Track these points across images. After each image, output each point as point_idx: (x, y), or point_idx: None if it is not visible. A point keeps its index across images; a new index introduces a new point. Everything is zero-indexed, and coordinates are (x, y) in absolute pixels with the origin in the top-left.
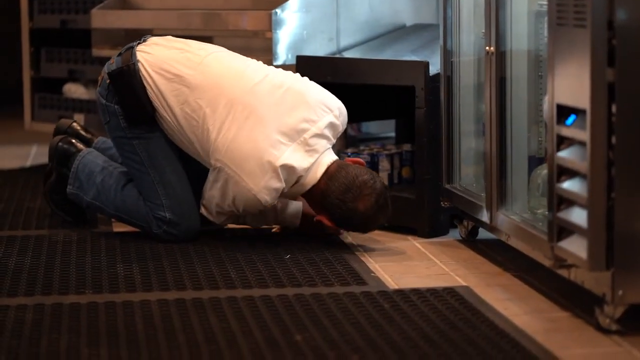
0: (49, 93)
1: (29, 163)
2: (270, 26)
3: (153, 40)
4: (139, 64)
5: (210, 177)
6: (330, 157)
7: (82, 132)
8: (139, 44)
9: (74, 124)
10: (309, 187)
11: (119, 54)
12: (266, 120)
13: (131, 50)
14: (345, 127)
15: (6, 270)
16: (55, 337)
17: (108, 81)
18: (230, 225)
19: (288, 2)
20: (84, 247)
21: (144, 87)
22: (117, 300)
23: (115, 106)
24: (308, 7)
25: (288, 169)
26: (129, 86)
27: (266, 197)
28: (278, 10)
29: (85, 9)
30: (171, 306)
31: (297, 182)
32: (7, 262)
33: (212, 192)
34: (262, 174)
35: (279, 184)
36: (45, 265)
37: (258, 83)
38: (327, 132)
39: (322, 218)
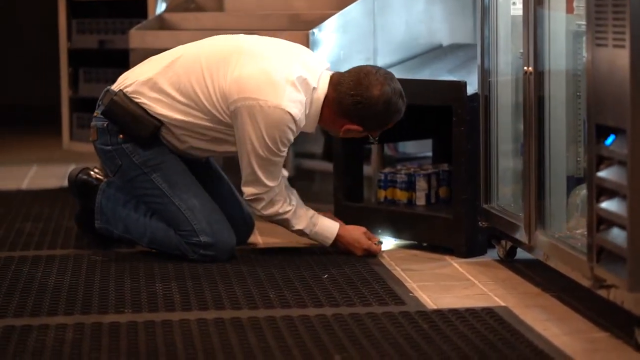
0: (87, 113)
1: (66, 183)
2: (307, 46)
3: (122, 75)
4: (122, 90)
5: (237, 134)
6: (329, 73)
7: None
8: (110, 86)
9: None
10: (322, 99)
11: (98, 105)
12: (264, 53)
13: (108, 91)
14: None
15: (45, 290)
16: (95, 356)
17: (105, 125)
18: (268, 244)
19: (325, 22)
20: (122, 266)
21: (140, 105)
22: (157, 320)
23: (124, 145)
24: (345, 27)
25: (302, 81)
26: (126, 112)
27: (294, 109)
28: (315, 31)
29: (123, 29)
30: (210, 326)
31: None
32: (46, 282)
33: (244, 149)
34: (282, 90)
35: (300, 96)
36: (84, 285)
37: (237, 36)
38: (318, 59)
39: (348, 127)
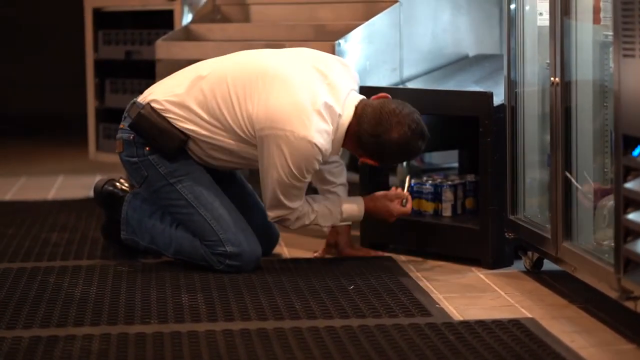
0: (113, 123)
1: (92, 193)
2: None
3: (147, 89)
4: (150, 104)
5: (261, 159)
6: (355, 97)
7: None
8: (136, 98)
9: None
10: (346, 126)
11: (124, 117)
12: (290, 77)
13: (134, 103)
14: (356, 74)
15: (72, 300)
16: None
17: (132, 137)
18: (293, 255)
19: (351, 33)
20: (148, 277)
21: (167, 119)
22: (183, 331)
23: (150, 157)
24: (371, 37)
25: (328, 107)
26: (153, 126)
27: (320, 140)
28: (341, 41)
29: (150, 40)
30: (236, 337)
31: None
32: (72, 292)
33: (268, 174)
34: (308, 120)
35: (326, 125)
36: (110, 295)
37: (263, 54)
38: (344, 73)
39: (365, 160)
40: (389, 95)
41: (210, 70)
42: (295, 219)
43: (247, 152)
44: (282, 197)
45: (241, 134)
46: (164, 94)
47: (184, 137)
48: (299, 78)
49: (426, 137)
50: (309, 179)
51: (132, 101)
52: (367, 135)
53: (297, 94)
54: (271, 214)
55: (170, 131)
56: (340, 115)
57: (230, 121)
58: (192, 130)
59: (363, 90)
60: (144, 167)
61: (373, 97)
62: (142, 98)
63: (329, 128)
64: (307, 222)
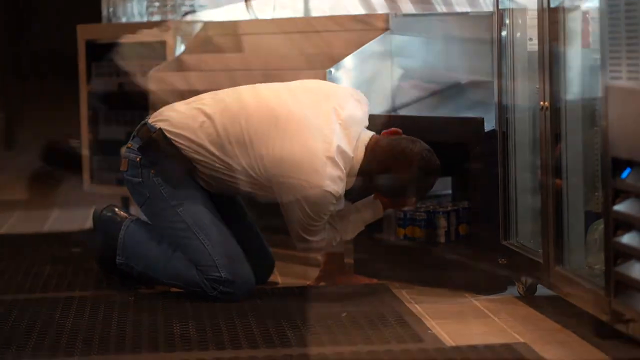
0: (107, 155)
1: (87, 225)
2: None
3: (161, 109)
4: (162, 130)
5: (280, 201)
6: (366, 135)
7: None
8: (147, 119)
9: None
10: (357, 168)
11: (133, 136)
12: (303, 121)
13: (145, 125)
14: (367, 104)
15: (63, 331)
16: None
17: (138, 159)
18: (287, 284)
19: (342, 61)
20: (140, 306)
21: (177, 147)
22: None
23: (154, 178)
24: (362, 65)
25: (341, 152)
26: (162, 151)
27: (334, 187)
28: (333, 70)
29: (142, 71)
30: None
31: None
32: (64, 323)
33: (288, 215)
34: (322, 169)
35: (339, 172)
36: (102, 325)
37: (277, 93)
38: (357, 110)
39: (377, 196)
40: (400, 130)
41: (224, 105)
42: (324, 245)
43: (255, 189)
44: (304, 235)
45: (253, 174)
46: (176, 124)
47: (191, 167)
48: (313, 122)
49: (437, 172)
50: (326, 217)
51: (142, 122)
52: (376, 176)
53: (310, 140)
54: (298, 246)
55: (178, 159)
56: (352, 158)
57: (244, 163)
58: (202, 163)
59: None
60: (146, 188)
61: (384, 132)
62: (154, 120)
63: (342, 174)
64: (334, 244)
